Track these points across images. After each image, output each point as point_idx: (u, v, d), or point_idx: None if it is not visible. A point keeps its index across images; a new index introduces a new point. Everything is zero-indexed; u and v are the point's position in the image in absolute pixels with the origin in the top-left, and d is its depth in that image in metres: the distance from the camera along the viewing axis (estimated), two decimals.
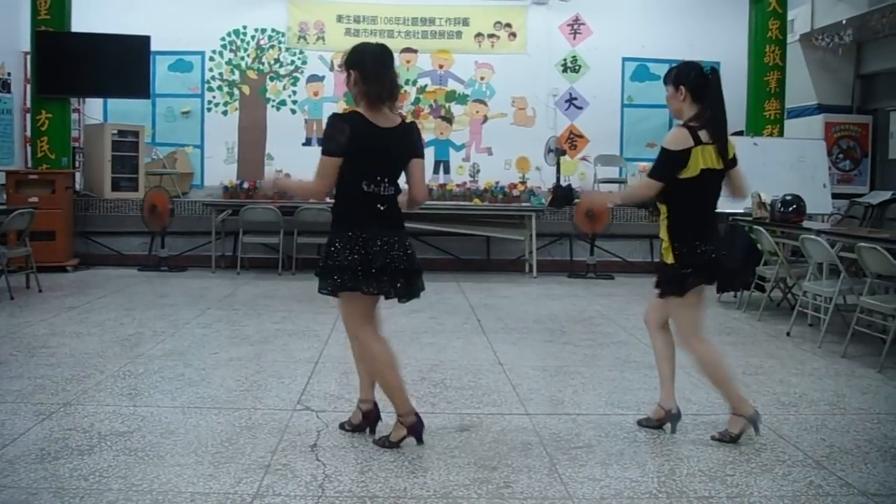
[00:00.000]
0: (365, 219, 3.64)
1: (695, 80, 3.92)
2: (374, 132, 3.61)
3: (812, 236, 6.46)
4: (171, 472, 3.39)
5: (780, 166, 9.53)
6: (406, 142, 3.73)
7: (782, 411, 4.49)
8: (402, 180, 3.80)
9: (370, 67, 3.64)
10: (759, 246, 7.65)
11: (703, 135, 3.82)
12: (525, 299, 8.40)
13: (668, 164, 3.83)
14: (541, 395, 4.75)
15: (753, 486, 3.39)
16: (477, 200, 10.94)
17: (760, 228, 7.48)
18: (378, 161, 3.66)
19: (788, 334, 6.61)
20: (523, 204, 10.77)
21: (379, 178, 3.64)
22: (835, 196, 10.04)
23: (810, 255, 6.51)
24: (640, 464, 3.63)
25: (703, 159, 3.80)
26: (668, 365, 4.11)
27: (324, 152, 3.61)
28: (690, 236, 3.87)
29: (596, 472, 3.53)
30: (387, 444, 3.76)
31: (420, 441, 3.77)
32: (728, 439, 3.91)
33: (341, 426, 4.02)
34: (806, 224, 7.53)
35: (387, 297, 3.70)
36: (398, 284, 3.65)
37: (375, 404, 3.96)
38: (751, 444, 3.90)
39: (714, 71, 3.95)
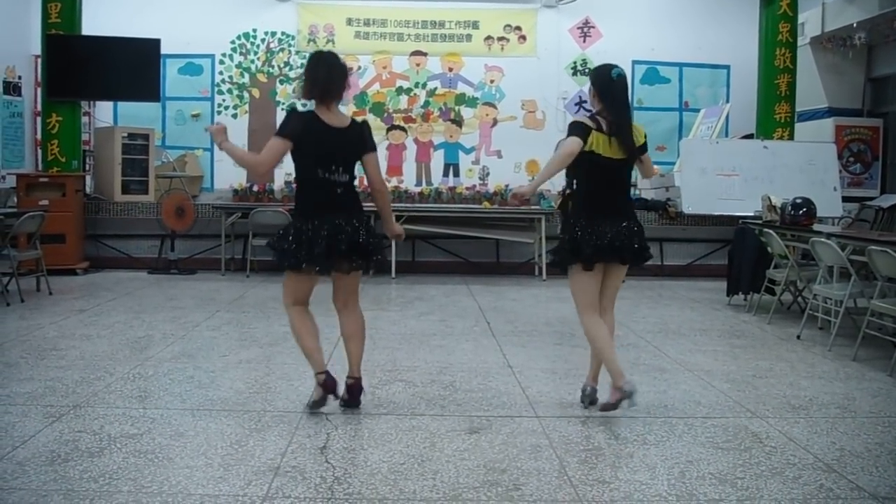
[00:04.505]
0: (321, 205, 4.09)
1: (599, 81, 4.28)
2: (324, 128, 4.06)
3: (822, 239, 6.43)
4: (181, 475, 3.39)
5: (791, 169, 9.55)
6: (357, 140, 4.18)
7: (793, 414, 4.48)
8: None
9: (309, 71, 4.16)
10: (769, 249, 7.63)
11: (603, 125, 4.17)
12: (534, 302, 8.40)
13: (577, 127, 4.16)
14: (550, 397, 4.75)
15: (764, 489, 3.37)
16: (486, 203, 10.97)
17: (771, 231, 7.46)
18: (330, 153, 4.08)
19: (799, 337, 6.58)
20: (533, 207, 10.76)
21: (333, 168, 4.10)
22: (845, 199, 10.04)
23: (821, 258, 6.49)
24: (649, 466, 3.62)
25: (596, 143, 4.13)
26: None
27: (276, 134, 4.03)
28: (583, 215, 4.26)
29: (606, 474, 3.52)
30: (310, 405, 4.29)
31: (336, 397, 4.26)
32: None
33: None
34: (816, 227, 7.50)
35: (328, 274, 4.16)
36: (352, 262, 4.15)
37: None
38: (761, 448, 3.89)
39: (620, 76, 4.25)
